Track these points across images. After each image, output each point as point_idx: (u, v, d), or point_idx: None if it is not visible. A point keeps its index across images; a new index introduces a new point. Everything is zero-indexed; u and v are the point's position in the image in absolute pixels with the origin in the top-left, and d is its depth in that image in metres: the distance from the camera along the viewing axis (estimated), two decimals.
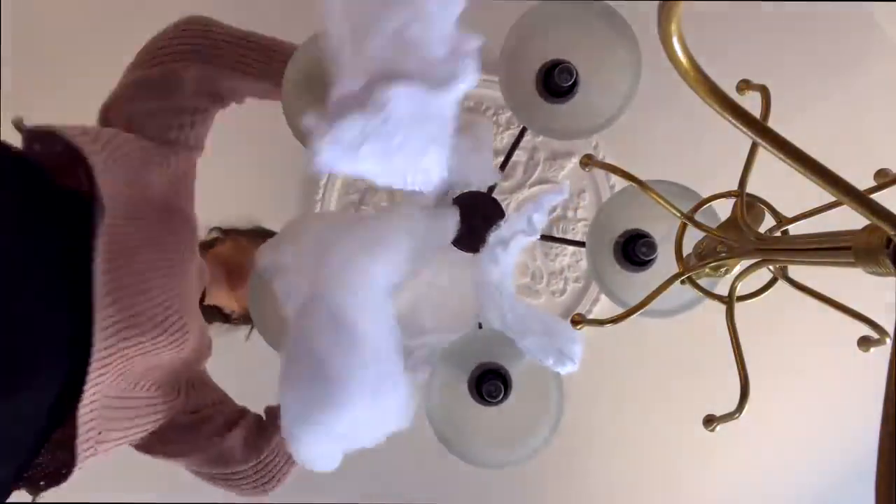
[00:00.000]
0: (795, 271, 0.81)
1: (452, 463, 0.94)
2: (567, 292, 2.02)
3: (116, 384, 0.87)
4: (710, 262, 0.77)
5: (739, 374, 0.78)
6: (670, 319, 0.91)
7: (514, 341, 0.85)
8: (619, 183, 1.86)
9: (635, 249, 0.89)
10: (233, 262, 1.28)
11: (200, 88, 1.02)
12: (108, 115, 1.03)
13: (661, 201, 0.80)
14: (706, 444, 1.56)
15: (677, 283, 0.80)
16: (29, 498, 0.89)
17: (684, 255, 0.82)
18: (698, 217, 0.80)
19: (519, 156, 1.95)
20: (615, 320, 0.81)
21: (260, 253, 0.84)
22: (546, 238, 1.00)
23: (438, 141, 0.76)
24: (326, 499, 1.89)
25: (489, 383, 0.84)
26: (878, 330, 0.77)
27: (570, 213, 1.98)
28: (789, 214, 0.80)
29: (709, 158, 1.59)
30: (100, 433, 0.87)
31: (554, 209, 1.37)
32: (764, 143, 0.46)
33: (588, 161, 0.88)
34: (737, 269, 0.79)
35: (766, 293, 0.82)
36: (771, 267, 0.78)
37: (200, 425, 1.02)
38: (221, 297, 1.27)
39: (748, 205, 0.78)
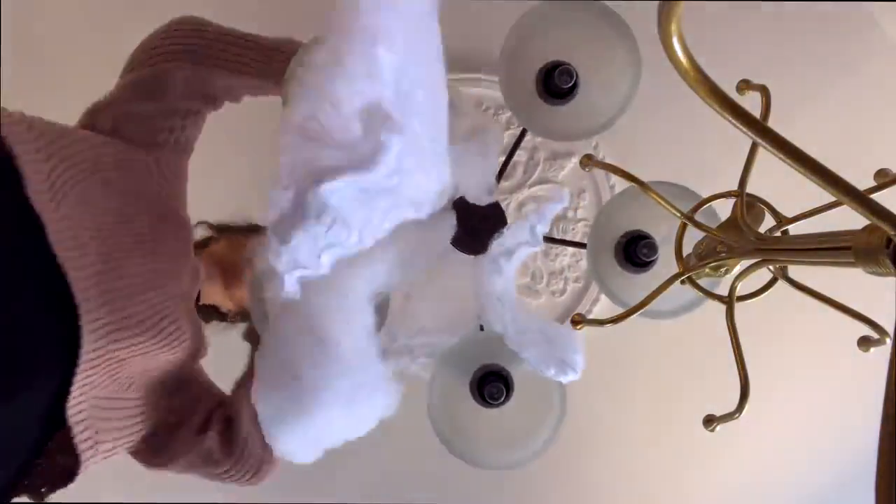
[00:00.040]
0: (795, 271, 0.81)
1: (453, 464, 0.94)
2: (567, 292, 2.01)
3: (107, 386, 0.87)
4: (710, 262, 0.77)
5: (739, 374, 0.78)
6: (670, 320, 0.91)
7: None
8: (619, 183, 1.86)
9: (636, 251, 0.89)
10: (227, 261, 1.27)
11: (192, 89, 1.01)
12: (94, 119, 1.00)
13: (662, 202, 0.80)
14: (706, 444, 1.56)
15: (677, 283, 0.80)
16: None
17: (684, 255, 0.82)
18: (698, 217, 0.80)
19: (519, 155, 1.94)
20: (615, 320, 0.81)
21: (253, 250, 0.83)
22: (546, 239, 1.00)
23: (412, 205, 0.75)
24: (326, 499, 1.89)
25: (491, 385, 0.84)
26: (878, 330, 0.77)
27: (570, 214, 1.98)
28: (789, 214, 0.80)
29: (709, 158, 1.59)
30: (97, 432, 0.87)
31: None
32: (764, 143, 0.46)
33: (588, 161, 0.89)
34: (737, 269, 0.79)
35: (766, 293, 0.82)
36: (771, 267, 0.78)
37: (181, 427, 1.01)
38: (217, 296, 1.27)
39: (748, 205, 0.78)
